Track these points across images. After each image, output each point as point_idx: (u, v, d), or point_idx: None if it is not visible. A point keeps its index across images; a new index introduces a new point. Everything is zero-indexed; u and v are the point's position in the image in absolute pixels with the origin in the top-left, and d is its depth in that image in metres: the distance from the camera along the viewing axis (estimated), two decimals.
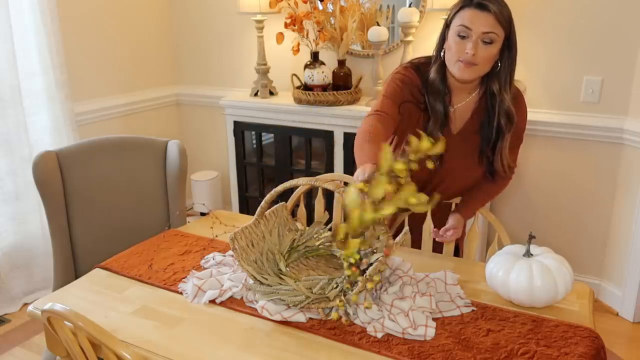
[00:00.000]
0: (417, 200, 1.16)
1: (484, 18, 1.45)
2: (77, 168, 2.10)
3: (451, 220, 1.71)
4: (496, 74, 1.55)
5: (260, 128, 3.10)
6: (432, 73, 1.60)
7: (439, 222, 1.77)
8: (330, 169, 2.89)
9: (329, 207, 2.03)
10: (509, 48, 1.52)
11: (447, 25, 1.55)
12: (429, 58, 1.66)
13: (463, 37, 1.48)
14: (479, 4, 1.45)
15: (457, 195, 1.77)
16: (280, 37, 2.97)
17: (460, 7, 1.50)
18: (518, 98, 1.64)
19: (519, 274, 1.37)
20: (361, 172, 1.31)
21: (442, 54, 1.58)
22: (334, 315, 1.31)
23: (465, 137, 1.64)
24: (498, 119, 1.58)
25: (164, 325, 1.36)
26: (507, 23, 1.48)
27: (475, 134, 1.64)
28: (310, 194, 2.77)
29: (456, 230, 1.69)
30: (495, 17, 1.45)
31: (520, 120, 1.65)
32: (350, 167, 2.79)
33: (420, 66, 1.65)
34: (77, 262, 2.11)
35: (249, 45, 3.36)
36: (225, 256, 1.68)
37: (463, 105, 1.64)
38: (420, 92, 1.62)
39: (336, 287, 1.37)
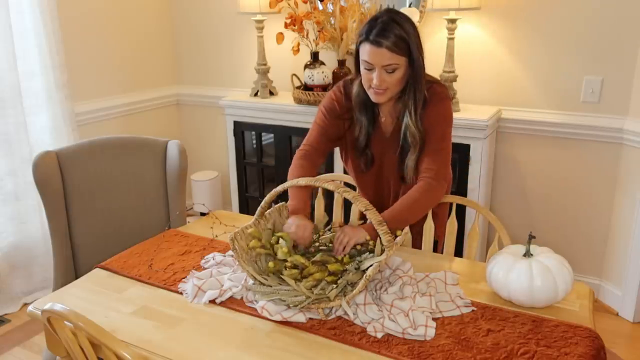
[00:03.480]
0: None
1: (380, 54, 1.54)
2: (77, 168, 2.10)
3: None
4: (406, 90, 1.64)
5: (260, 128, 3.10)
6: (355, 88, 1.70)
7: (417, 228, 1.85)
8: (330, 169, 2.89)
9: (329, 207, 2.03)
10: (411, 65, 1.59)
11: (357, 51, 1.62)
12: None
13: (369, 69, 1.59)
14: (374, 40, 1.53)
15: None
16: (280, 37, 2.97)
17: (361, 40, 1.58)
18: (434, 97, 1.66)
19: (519, 274, 1.37)
20: (293, 226, 1.54)
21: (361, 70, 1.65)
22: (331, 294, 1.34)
23: (395, 138, 1.72)
24: (404, 136, 1.67)
25: (164, 325, 1.36)
26: (404, 50, 1.55)
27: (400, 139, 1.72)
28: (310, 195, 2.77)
29: (349, 238, 1.50)
30: (390, 50, 1.53)
31: (430, 120, 1.65)
32: None
33: (350, 82, 1.76)
34: (77, 262, 2.11)
35: (249, 45, 3.36)
36: (225, 256, 1.68)
37: (389, 114, 1.73)
38: (348, 107, 1.74)
39: (336, 288, 1.37)
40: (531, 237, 1.43)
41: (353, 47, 2.88)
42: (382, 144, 1.75)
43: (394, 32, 1.53)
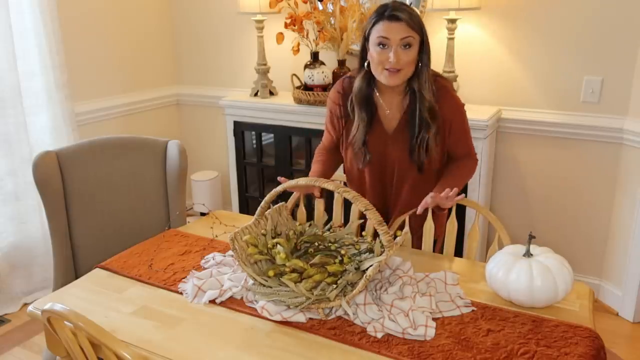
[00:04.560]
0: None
1: (397, 27, 1.58)
2: (77, 168, 2.10)
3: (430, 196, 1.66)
4: (416, 74, 1.67)
5: (260, 128, 3.10)
6: (358, 82, 1.73)
7: (416, 225, 1.87)
8: None
9: (329, 207, 2.03)
10: (423, 50, 1.65)
11: (366, 39, 1.66)
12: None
13: (384, 47, 1.60)
14: (391, 15, 1.58)
15: (416, 194, 1.77)
16: (280, 37, 2.97)
17: (375, 21, 1.62)
18: (442, 91, 1.71)
19: (519, 274, 1.37)
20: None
21: (366, 64, 1.69)
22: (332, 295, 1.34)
23: (398, 135, 1.75)
24: (420, 115, 1.68)
25: (164, 325, 1.36)
26: (419, 27, 1.62)
27: (406, 131, 1.75)
28: (310, 194, 2.77)
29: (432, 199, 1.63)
30: (407, 24, 1.58)
31: (449, 112, 1.72)
32: None
33: (351, 80, 1.78)
34: (77, 262, 2.11)
35: (249, 45, 3.36)
36: (225, 256, 1.68)
37: (395, 106, 1.75)
38: (348, 106, 1.77)
39: (336, 288, 1.37)
40: (531, 237, 1.43)
41: (353, 47, 2.91)
42: (384, 141, 1.76)
43: (408, 10, 1.60)
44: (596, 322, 1.39)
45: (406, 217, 1.84)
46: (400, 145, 1.74)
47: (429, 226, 1.84)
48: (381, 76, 1.64)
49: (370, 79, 1.72)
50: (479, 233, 1.84)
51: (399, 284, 1.43)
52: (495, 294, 1.46)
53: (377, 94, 1.75)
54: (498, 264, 1.43)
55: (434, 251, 1.87)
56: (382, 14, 1.60)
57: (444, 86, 1.72)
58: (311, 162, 1.90)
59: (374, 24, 1.62)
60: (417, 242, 1.90)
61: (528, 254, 1.43)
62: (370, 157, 1.77)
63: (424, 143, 1.70)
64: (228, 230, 1.90)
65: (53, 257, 2.05)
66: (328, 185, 1.40)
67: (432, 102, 1.67)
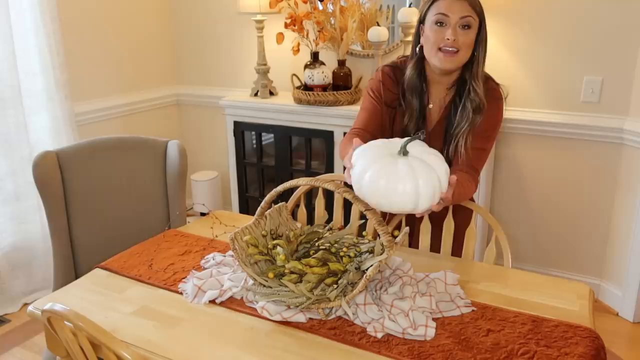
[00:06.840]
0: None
1: (458, 5, 1.52)
2: (77, 168, 2.10)
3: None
4: (470, 63, 1.60)
5: (260, 128, 3.10)
6: (409, 70, 1.65)
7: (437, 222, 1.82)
8: (330, 169, 2.89)
9: (329, 207, 2.03)
10: (481, 39, 1.57)
11: (421, 21, 1.61)
12: (406, 57, 1.72)
13: (441, 25, 1.54)
14: None
15: None
16: (280, 37, 2.97)
17: (433, 0, 1.56)
18: (491, 95, 1.63)
19: (404, 179, 1.20)
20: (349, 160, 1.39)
21: (418, 48, 1.63)
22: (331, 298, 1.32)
23: (438, 132, 1.69)
24: (464, 103, 1.60)
25: (164, 325, 1.36)
26: (479, 10, 1.56)
27: (443, 127, 1.68)
28: (310, 194, 2.77)
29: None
30: (469, 2, 1.53)
31: (487, 117, 1.61)
32: None
33: (398, 65, 1.71)
34: (77, 262, 2.11)
35: (249, 45, 3.36)
36: (225, 256, 1.68)
37: (439, 102, 1.68)
38: (395, 93, 1.69)
39: (336, 288, 1.37)
40: (418, 136, 1.29)
41: (353, 47, 2.91)
42: (426, 135, 1.68)
43: None
44: (596, 322, 1.39)
45: (403, 216, 1.84)
46: (438, 142, 1.67)
47: (428, 226, 1.84)
48: (435, 59, 1.56)
49: (421, 69, 1.65)
50: (476, 233, 1.84)
51: (399, 284, 1.43)
52: (495, 294, 1.46)
53: (424, 86, 1.67)
54: (377, 170, 1.23)
55: (451, 253, 1.84)
56: None
57: (493, 89, 1.63)
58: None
59: (432, 2, 1.55)
60: (416, 242, 1.89)
61: (403, 152, 1.26)
62: None
63: (456, 139, 1.61)
64: (228, 230, 1.90)
65: (53, 257, 2.05)
66: (328, 185, 1.40)
67: (482, 97, 1.58)
